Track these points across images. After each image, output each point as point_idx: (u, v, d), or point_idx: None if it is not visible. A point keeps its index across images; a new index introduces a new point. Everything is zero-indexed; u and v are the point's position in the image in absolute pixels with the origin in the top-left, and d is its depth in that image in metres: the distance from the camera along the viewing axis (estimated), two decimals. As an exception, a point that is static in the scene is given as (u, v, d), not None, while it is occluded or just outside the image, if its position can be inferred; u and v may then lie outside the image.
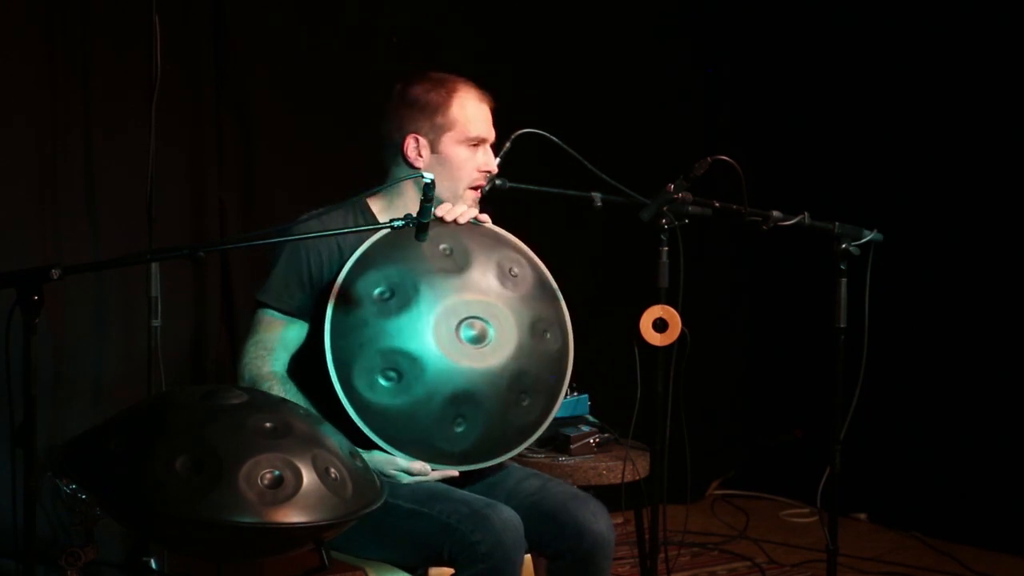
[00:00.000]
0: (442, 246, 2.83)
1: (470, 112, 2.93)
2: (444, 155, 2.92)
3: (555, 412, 2.90)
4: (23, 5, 3.84)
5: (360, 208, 2.95)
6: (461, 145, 2.93)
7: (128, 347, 4.00)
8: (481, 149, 2.96)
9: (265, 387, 2.76)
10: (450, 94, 2.93)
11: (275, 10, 4.34)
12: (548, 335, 2.89)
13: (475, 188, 2.97)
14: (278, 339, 2.86)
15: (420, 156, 2.92)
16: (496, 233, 2.97)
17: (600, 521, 2.79)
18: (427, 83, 2.95)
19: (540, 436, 2.90)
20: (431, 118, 2.91)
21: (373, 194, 2.96)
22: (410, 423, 2.73)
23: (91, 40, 3.94)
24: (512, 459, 2.91)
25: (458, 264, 2.83)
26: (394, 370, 2.72)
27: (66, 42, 3.90)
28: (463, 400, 2.75)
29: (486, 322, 2.79)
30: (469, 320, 2.78)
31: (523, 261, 2.94)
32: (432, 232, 2.68)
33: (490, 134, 2.98)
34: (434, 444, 2.75)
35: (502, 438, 2.81)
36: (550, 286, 2.96)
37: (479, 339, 2.78)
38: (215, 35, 4.20)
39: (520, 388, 2.81)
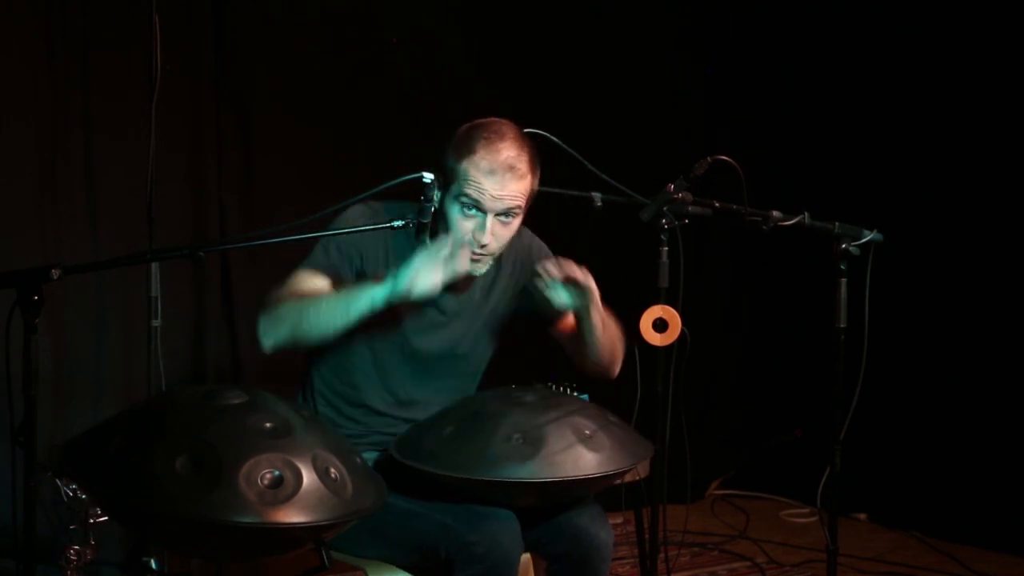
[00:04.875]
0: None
1: (472, 176, 2.75)
2: (444, 205, 2.80)
3: (538, 478, 2.63)
4: (23, 5, 3.84)
5: (400, 212, 2.80)
6: (455, 204, 2.78)
7: (128, 347, 4.00)
8: (476, 219, 2.77)
9: (278, 307, 2.75)
10: (469, 151, 2.76)
11: (275, 10, 4.34)
12: (592, 439, 2.71)
13: (469, 250, 2.78)
14: (308, 286, 2.81)
15: (434, 195, 2.77)
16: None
17: (597, 524, 2.79)
18: (472, 131, 2.81)
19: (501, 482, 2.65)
20: (449, 162, 2.80)
21: (375, 193, 2.87)
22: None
23: (91, 40, 3.95)
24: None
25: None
26: None
27: (66, 42, 3.90)
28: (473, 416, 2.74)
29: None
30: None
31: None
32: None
33: (492, 205, 2.76)
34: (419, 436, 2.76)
35: (468, 459, 2.65)
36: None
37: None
38: (215, 35, 4.20)
39: (520, 430, 2.66)
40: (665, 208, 3.04)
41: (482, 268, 2.86)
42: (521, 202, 2.81)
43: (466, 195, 2.76)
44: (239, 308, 4.22)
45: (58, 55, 3.89)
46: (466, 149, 2.78)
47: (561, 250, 3.06)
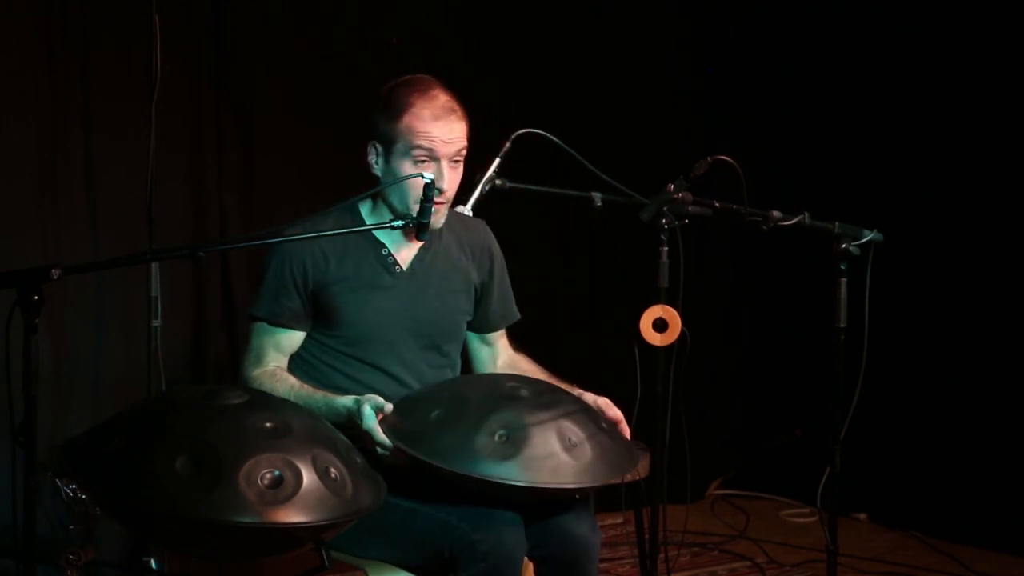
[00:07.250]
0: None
1: (419, 127, 2.77)
2: (393, 168, 2.81)
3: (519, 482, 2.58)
4: (23, 5, 3.84)
5: (350, 213, 2.91)
6: (407, 160, 2.79)
7: (128, 347, 4.00)
8: (431, 166, 2.78)
9: (255, 386, 2.79)
10: (405, 107, 2.79)
11: (275, 10, 4.34)
12: (576, 448, 2.66)
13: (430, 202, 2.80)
14: (271, 347, 2.89)
15: (376, 164, 2.86)
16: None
17: (583, 525, 2.76)
18: (397, 89, 2.85)
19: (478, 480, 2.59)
20: (385, 126, 2.81)
21: (363, 199, 2.89)
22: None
23: (91, 40, 3.95)
24: None
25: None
26: None
27: (66, 42, 3.91)
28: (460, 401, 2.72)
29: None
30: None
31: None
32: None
33: (444, 150, 2.79)
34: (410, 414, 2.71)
35: (446, 446, 2.61)
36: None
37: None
38: (215, 35, 4.20)
39: (505, 426, 2.62)
40: (665, 208, 3.04)
41: (441, 219, 2.85)
42: (465, 143, 2.84)
43: (418, 147, 2.77)
44: (239, 308, 4.22)
45: (58, 55, 3.90)
46: (401, 106, 2.81)
47: (562, 250, 3.07)
